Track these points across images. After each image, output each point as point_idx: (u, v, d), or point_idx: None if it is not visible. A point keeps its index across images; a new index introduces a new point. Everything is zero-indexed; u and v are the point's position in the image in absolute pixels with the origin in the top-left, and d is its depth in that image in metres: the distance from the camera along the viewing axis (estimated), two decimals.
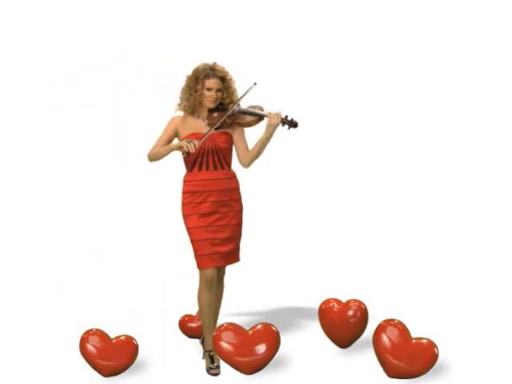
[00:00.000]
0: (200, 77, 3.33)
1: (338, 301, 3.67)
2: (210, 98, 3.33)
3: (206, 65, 3.37)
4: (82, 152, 5.60)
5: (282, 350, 3.34)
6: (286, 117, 3.30)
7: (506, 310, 4.08)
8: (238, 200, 3.47)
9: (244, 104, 3.37)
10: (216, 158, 3.37)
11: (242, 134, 3.46)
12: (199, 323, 3.74)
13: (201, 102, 3.38)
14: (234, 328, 3.21)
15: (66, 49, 5.57)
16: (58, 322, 4.07)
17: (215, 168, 3.36)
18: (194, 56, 3.55)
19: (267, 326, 3.24)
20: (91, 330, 3.24)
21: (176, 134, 3.43)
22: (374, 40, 5.55)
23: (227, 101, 3.38)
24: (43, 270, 5.09)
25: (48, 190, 5.54)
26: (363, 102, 5.57)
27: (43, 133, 5.58)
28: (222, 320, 3.72)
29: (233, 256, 3.47)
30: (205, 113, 3.39)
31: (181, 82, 3.43)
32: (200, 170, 3.37)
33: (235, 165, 3.48)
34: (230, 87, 3.39)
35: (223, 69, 3.37)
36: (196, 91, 3.34)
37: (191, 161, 3.37)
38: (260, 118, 3.35)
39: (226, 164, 3.41)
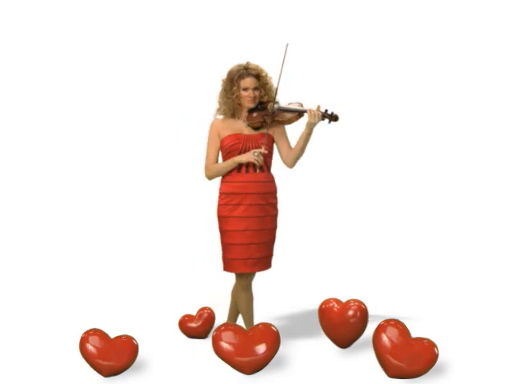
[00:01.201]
0: (235, 78, 3.28)
1: (338, 301, 3.66)
2: (247, 97, 3.28)
3: (239, 65, 3.32)
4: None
5: (282, 349, 3.34)
6: (326, 111, 3.21)
7: (505, 310, 4.08)
8: (275, 204, 3.42)
9: (283, 101, 3.31)
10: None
11: (284, 133, 3.40)
12: (199, 323, 3.74)
13: (240, 104, 3.33)
14: (233, 328, 3.21)
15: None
16: (58, 321, 4.06)
17: (254, 170, 3.31)
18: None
19: (267, 326, 3.24)
20: (91, 329, 3.23)
21: (219, 138, 3.37)
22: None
23: (265, 98, 3.32)
24: (43, 269, 5.09)
25: (48, 190, 5.55)
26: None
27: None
28: (222, 320, 3.72)
29: (266, 262, 3.39)
30: (245, 113, 3.34)
31: (214, 87, 3.40)
32: (240, 171, 3.32)
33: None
34: (267, 83, 3.32)
35: (257, 66, 3.31)
36: (233, 93, 3.29)
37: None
38: (300, 114, 3.27)
39: (265, 166, 3.36)
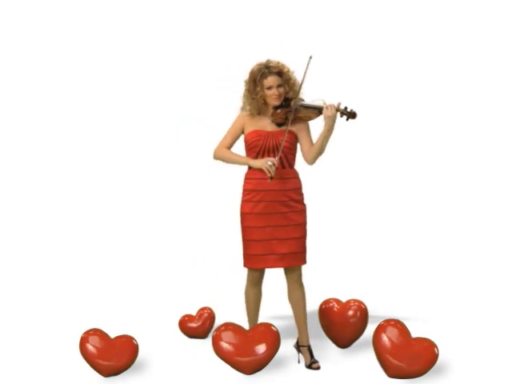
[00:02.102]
0: (257, 78, 3.25)
1: (338, 301, 3.67)
2: (272, 96, 3.26)
3: (260, 64, 3.29)
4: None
5: (282, 350, 3.34)
6: (346, 108, 3.18)
7: (505, 310, 4.08)
8: (300, 200, 3.37)
9: (309, 98, 3.29)
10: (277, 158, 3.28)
11: (306, 130, 3.36)
12: (199, 323, 3.74)
13: (265, 103, 3.31)
14: (233, 328, 3.21)
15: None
16: (58, 321, 4.06)
17: (276, 168, 3.27)
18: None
19: (267, 326, 3.25)
20: (91, 330, 3.23)
21: (242, 131, 3.38)
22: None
23: (290, 94, 3.29)
24: (43, 270, 5.09)
25: (49, 190, 5.54)
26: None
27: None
28: (222, 320, 3.71)
29: (293, 258, 3.33)
30: (270, 110, 3.32)
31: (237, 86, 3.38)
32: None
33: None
34: (290, 79, 3.29)
35: (278, 63, 3.28)
36: (257, 94, 3.27)
37: (254, 158, 3.31)
38: (320, 110, 3.23)
39: (286, 163, 3.32)
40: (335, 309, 3.61)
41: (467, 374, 3.14)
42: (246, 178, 3.38)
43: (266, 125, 3.33)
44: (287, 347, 3.47)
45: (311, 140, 3.36)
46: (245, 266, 3.41)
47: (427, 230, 5.35)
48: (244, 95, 3.36)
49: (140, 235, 5.41)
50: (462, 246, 5.15)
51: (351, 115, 3.19)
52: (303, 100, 3.30)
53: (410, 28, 5.45)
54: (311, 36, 5.44)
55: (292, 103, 3.27)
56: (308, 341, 3.37)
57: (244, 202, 3.36)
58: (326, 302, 3.67)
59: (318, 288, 4.42)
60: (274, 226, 3.29)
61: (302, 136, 3.35)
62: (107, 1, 5.55)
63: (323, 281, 4.70)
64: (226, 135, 3.42)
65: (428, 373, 3.09)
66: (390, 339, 3.09)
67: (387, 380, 3.10)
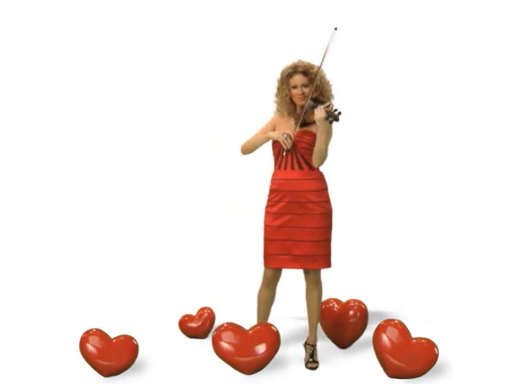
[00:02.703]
0: (284, 77, 3.30)
1: (338, 301, 3.67)
2: (297, 95, 3.27)
3: (289, 64, 3.31)
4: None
5: (282, 350, 3.34)
6: (335, 110, 3.14)
7: (505, 311, 4.08)
8: (319, 202, 3.30)
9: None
10: (294, 158, 3.29)
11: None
12: (199, 323, 3.74)
13: (292, 102, 3.33)
14: (233, 328, 3.21)
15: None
16: (58, 321, 4.06)
17: (292, 168, 3.30)
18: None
19: (267, 326, 3.25)
20: (91, 330, 3.23)
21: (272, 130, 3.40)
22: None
23: (315, 94, 3.28)
24: (43, 270, 5.09)
25: (49, 190, 5.55)
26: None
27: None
28: (222, 320, 3.71)
29: (308, 260, 3.31)
30: (298, 111, 3.33)
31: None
32: (279, 168, 3.34)
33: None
34: (316, 79, 3.26)
35: (306, 63, 3.29)
36: (283, 91, 3.31)
37: (276, 158, 3.36)
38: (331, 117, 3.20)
39: (304, 164, 3.30)
40: (335, 309, 3.61)
41: (467, 374, 3.14)
42: (271, 179, 3.41)
43: (291, 126, 3.32)
44: (287, 347, 3.47)
45: None
46: (264, 265, 3.42)
47: (427, 230, 5.35)
48: (275, 94, 3.40)
49: (140, 235, 5.41)
50: (462, 246, 5.15)
51: (334, 118, 3.13)
52: (317, 101, 3.28)
53: (409, 28, 5.45)
54: (311, 36, 5.44)
55: (307, 104, 3.26)
56: (314, 341, 3.38)
57: (267, 201, 3.41)
58: (326, 302, 3.67)
59: None
60: (291, 227, 3.30)
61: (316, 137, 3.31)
62: (107, 1, 5.55)
63: (323, 281, 4.70)
64: (255, 134, 3.44)
65: (428, 373, 3.09)
66: (390, 339, 3.10)
67: (387, 380, 3.10)
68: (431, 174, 5.50)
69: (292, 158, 3.30)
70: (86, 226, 5.49)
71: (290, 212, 3.30)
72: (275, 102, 3.41)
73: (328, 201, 3.36)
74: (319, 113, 3.15)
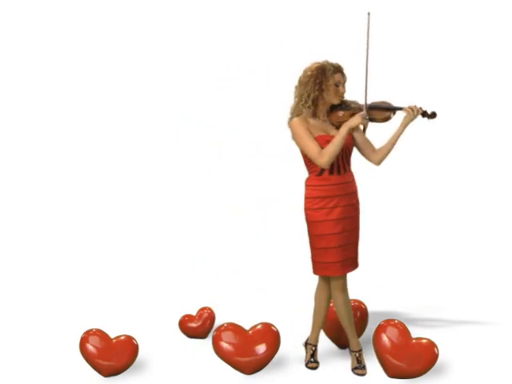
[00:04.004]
0: (328, 73, 3.15)
1: None
2: (338, 93, 3.18)
3: (323, 63, 3.20)
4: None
5: (282, 350, 3.34)
6: (426, 111, 3.18)
7: (505, 311, 4.08)
8: (359, 202, 3.32)
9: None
10: (345, 160, 3.22)
11: (363, 131, 3.29)
12: (199, 323, 3.74)
13: (324, 101, 3.20)
14: (233, 328, 3.21)
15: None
16: (58, 321, 4.06)
17: (345, 171, 3.22)
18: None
19: (267, 326, 3.25)
20: (91, 330, 3.24)
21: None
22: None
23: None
24: (44, 270, 5.09)
25: (49, 190, 5.55)
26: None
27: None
28: (222, 320, 3.72)
29: (357, 261, 3.31)
30: (322, 112, 3.23)
31: None
32: (331, 173, 3.19)
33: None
34: (346, 81, 3.24)
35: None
36: (321, 86, 3.15)
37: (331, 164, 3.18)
38: (394, 111, 3.22)
39: (348, 166, 3.26)
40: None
41: (467, 374, 3.14)
42: (313, 185, 3.23)
43: (327, 128, 3.22)
44: (287, 347, 3.47)
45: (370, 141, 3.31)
46: (321, 274, 3.28)
47: (427, 230, 5.35)
48: (299, 99, 3.20)
49: (140, 235, 5.41)
50: (462, 246, 5.15)
51: (432, 115, 3.21)
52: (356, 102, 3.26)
53: (408, 28, 5.45)
54: (311, 36, 5.44)
55: (356, 106, 3.21)
56: (357, 345, 3.29)
57: (315, 210, 3.20)
58: None
59: None
60: (350, 231, 3.23)
61: (362, 138, 3.27)
62: (108, 1, 5.55)
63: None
64: (308, 143, 3.14)
65: (428, 373, 3.09)
66: (390, 339, 3.10)
67: (387, 380, 3.10)
68: (431, 174, 5.50)
69: (343, 161, 3.21)
70: (86, 227, 5.49)
71: (348, 215, 3.21)
72: (299, 105, 3.20)
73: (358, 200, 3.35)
74: (412, 112, 3.16)
